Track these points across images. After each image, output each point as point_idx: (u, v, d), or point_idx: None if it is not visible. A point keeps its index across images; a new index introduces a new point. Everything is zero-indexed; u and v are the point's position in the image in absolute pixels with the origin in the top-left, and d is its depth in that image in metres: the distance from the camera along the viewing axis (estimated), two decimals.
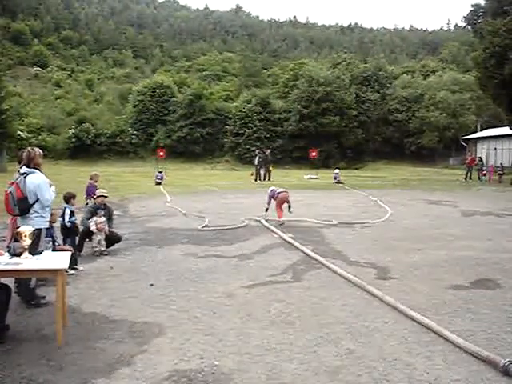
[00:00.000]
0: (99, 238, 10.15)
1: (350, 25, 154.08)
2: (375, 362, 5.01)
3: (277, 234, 12.49)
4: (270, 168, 33.59)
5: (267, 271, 8.71)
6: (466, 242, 11.47)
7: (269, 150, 36.41)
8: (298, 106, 57.99)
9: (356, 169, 51.13)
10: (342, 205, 19.29)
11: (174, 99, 62.10)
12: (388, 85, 64.86)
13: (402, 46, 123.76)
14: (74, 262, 8.28)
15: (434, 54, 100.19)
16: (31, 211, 6.65)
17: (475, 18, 40.09)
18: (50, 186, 6.88)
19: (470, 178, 34.29)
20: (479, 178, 34.88)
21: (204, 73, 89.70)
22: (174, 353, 5.25)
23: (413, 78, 68.35)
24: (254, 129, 58.28)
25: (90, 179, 15.53)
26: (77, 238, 9.82)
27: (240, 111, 59.97)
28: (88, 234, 10.13)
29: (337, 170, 31.56)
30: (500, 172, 34.47)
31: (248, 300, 7.08)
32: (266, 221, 14.24)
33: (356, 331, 5.84)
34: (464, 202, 19.87)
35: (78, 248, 9.57)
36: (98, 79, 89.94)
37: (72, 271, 8.31)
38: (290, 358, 5.11)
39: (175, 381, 4.59)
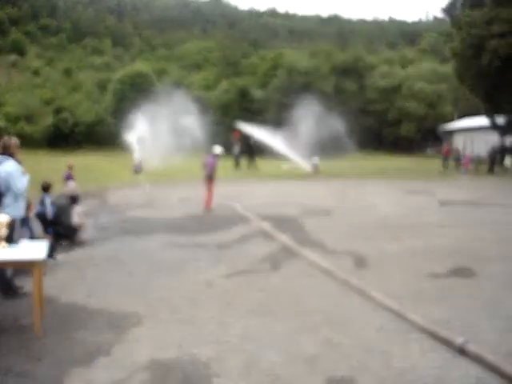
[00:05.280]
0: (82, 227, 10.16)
1: (330, 16, 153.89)
2: (352, 350, 5.08)
3: (255, 222, 12.53)
4: (254, 158, 33.72)
5: (246, 260, 8.75)
6: (442, 231, 11.59)
7: (252, 140, 36.45)
8: (278, 96, 57.83)
9: (335, 158, 51.21)
10: (320, 194, 19.37)
11: (153, 88, 61.57)
12: (367, 75, 64.98)
13: (381, 37, 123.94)
14: (52, 252, 8.23)
15: (412, 45, 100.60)
16: (4, 200, 6.58)
17: (453, 9, 40.34)
18: (24, 174, 6.79)
19: (447, 168, 34.61)
20: (456, 168, 35.22)
21: (183, 61, 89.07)
22: (153, 342, 5.26)
23: (391, 68, 68.54)
24: (234, 118, 58.02)
25: (69, 169, 15.51)
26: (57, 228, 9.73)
27: (220, 100, 59.65)
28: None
29: (316, 159, 31.54)
30: (476, 162, 34.83)
31: (227, 289, 7.11)
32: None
33: (334, 320, 5.90)
34: (441, 192, 20.05)
35: (56, 238, 9.49)
36: (77, 67, 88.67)
37: (50, 261, 8.26)
38: (268, 346, 5.15)
39: (154, 370, 4.61)
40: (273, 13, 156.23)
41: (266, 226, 12.02)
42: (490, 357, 4.69)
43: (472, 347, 4.91)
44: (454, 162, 35.93)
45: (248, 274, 7.92)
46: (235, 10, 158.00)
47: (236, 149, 34.02)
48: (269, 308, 6.30)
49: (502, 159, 34.23)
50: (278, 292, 6.96)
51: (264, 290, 7.07)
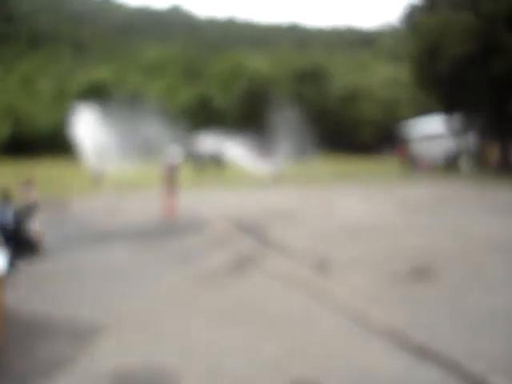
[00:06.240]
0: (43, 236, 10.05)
1: (289, 24, 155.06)
2: (318, 355, 5.12)
3: (218, 228, 12.54)
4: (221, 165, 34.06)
5: (210, 266, 8.75)
6: (403, 232, 11.74)
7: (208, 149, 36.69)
8: (239, 102, 58.03)
9: (295, 163, 51.53)
10: (282, 199, 19.44)
11: (113, 95, 61.02)
12: (325, 80, 65.68)
13: (339, 44, 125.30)
14: (13, 262, 8.10)
15: (369, 51, 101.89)
16: None
17: (410, 15, 41.06)
18: None
19: (405, 170, 35.14)
20: (414, 170, 35.75)
21: (144, 68, 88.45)
22: (116, 351, 5.23)
23: (349, 73, 69.47)
24: (196, 125, 57.92)
25: (28, 178, 15.28)
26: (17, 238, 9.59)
27: (181, 107, 59.46)
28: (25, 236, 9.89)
29: (276, 164, 31.65)
30: (433, 165, 35.50)
31: (190, 295, 7.11)
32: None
33: (299, 325, 5.95)
34: (400, 193, 20.34)
35: (17, 247, 9.33)
36: (36, 75, 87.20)
37: (12, 271, 8.12)
38: (233, 352, 5.17)
39: (118, 379, 4.58)
40: (232, 21, 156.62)
41: (229, 231, 12.04)
42: (451, 356, 4.81)
43: (433, 347, 5.02)
44: (412, 164, 36.58)
45: (211, 279, 7.92)
46: (195, 18, 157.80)
47: (197, 156, 34.11)
48: (234, 314, 6.32)
49: (457, 162, 34.99)
50: (242, 297, 6.98)
51: (229, 295, 7.08)
